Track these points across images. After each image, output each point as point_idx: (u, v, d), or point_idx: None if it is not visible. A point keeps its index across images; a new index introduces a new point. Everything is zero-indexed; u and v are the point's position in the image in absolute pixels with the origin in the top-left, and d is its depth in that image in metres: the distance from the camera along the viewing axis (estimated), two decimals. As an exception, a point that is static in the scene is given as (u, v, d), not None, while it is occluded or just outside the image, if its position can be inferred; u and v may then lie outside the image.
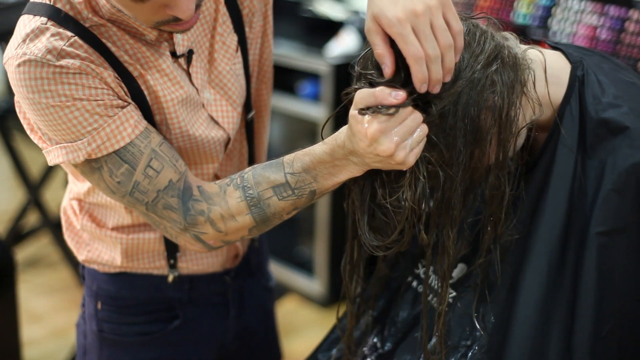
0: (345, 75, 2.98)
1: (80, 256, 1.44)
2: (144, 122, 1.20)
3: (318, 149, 1.13)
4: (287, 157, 1.17)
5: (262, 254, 1.62)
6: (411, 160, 1.05)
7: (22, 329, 2.13)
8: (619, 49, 2.13)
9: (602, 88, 1.13)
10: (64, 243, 3.50)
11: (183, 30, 1.16)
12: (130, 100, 1.20)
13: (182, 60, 1.27)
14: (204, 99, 1.31)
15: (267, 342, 1.64)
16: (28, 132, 1.23)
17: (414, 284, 1.34)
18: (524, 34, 1.21)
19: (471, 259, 1.24)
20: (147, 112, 1.23)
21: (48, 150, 1.20)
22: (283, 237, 3.45)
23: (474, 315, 1.20)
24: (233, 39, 1.34)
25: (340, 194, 1.23)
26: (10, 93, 4.27)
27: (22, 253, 3.71)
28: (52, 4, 1.16)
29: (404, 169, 1.07)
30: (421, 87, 1.02)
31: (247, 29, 1.37)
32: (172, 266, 1.40)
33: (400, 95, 1.02)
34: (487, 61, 1.08)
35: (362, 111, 1.04)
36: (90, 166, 1.19)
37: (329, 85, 2.97)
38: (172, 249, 1.39)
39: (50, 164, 1.21)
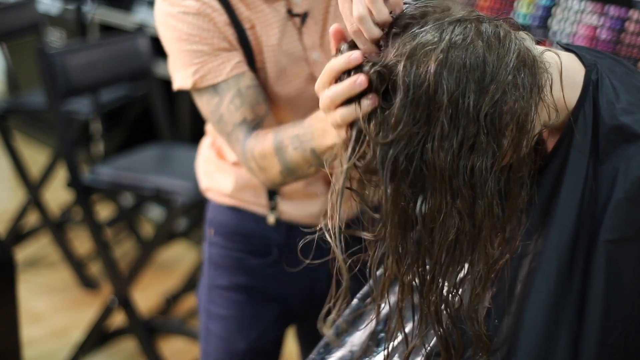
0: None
1: (203, 183, 1.71)
2: (244, 68, 1.43)
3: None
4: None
5: None
6: (336, 116, 1.06)
7: (22, 329, 2.11)
8: (619, 49, 2.13)
9: (617, 93, 1.11)
10: (64, 243, 3.49)
11: None
12: (237, 46, 1.43)
13: (297, 19, 1.46)
14: (312, 58, 1.49)
15: None
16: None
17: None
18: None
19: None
20: (250, 59, 1.45)
21: (174, 76, 1.47)
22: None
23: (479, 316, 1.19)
24: None
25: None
26: (10, 93, 4.26)
27: (22, 253, 3.70)
28: None
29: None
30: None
31: None
32: (273, 208, 1.59)
33: (354, 55, 1.04)
34: (515, 63, 1.03)
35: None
36: (198, 93, 1.45)
37: (330, 85, 2.96)
38: (271, 191, 1.58)
39: (175, 87, 1.46)
